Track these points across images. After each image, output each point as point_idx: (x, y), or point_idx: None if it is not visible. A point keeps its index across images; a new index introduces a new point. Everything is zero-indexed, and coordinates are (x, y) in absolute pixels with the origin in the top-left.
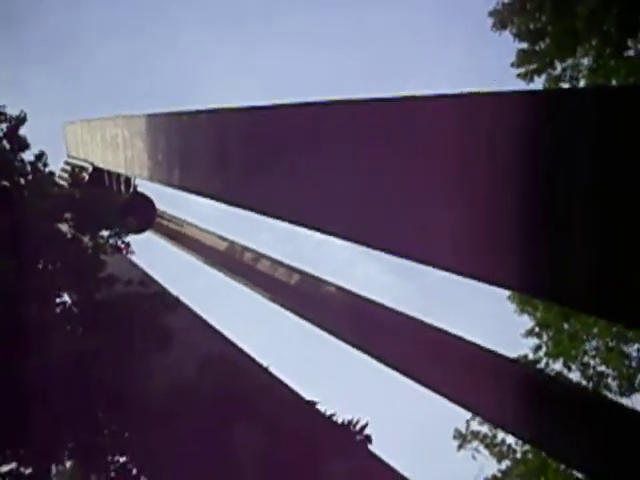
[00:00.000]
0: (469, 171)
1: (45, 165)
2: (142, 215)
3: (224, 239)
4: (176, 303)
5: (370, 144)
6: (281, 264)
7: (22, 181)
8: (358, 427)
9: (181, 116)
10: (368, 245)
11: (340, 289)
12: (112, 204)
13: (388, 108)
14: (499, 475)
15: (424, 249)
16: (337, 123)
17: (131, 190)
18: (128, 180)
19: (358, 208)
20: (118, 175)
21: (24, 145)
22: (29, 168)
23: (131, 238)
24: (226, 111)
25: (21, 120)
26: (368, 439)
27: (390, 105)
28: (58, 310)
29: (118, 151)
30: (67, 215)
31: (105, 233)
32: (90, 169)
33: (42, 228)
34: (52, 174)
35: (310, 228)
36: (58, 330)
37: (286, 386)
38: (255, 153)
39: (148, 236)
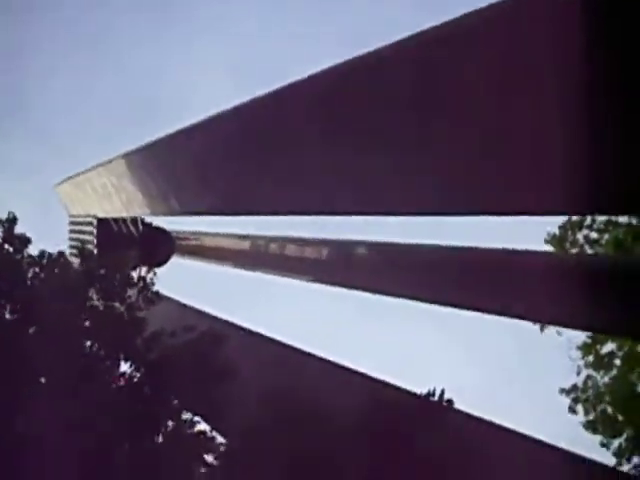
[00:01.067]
0: None
1: (50, 257)
2: (161, 246)
3: (244, 237)
4: (226, 331)
5: None
6: (307, 241)
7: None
8: (438, 395)
9: (155, 145)
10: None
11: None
12: (123, 264)
13: None
14: None
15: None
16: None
17: (140, 229)
18: (135, 220)
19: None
20: (123, 219)
21: (25, 241)
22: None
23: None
24: (201, 126)
25: (12, 221)
26: (450, 402)
27: None
28: (122, 382)
29: (112, 198)
30: (91, 291)
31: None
32: (95, 222)
33: (71, 311)
34: (62, 254)
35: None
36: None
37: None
38: (245, 154)
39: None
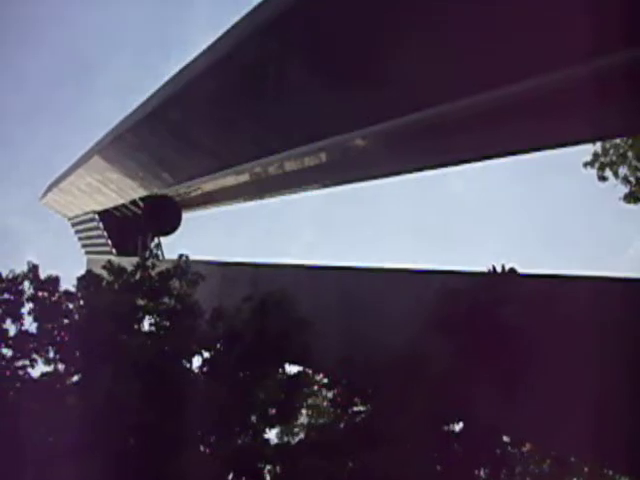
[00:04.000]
0: None
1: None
2: (168, 212)
3: (240, 170)
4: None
5: None
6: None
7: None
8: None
9: (125, 130)
10: None
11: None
12: None
13: None
14: None
15: None
16: None
17: (141, 205)
18: (134, 200)
19: None
20: (123, 204)
21: (55, 281)
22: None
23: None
24: (170, 93)
25: (32, 269)
26: (515, 271)
27: None
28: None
29: (102, 191)
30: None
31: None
32: (96, 216)
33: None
34: (97, 276)
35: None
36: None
37: None
38: (225, 106)
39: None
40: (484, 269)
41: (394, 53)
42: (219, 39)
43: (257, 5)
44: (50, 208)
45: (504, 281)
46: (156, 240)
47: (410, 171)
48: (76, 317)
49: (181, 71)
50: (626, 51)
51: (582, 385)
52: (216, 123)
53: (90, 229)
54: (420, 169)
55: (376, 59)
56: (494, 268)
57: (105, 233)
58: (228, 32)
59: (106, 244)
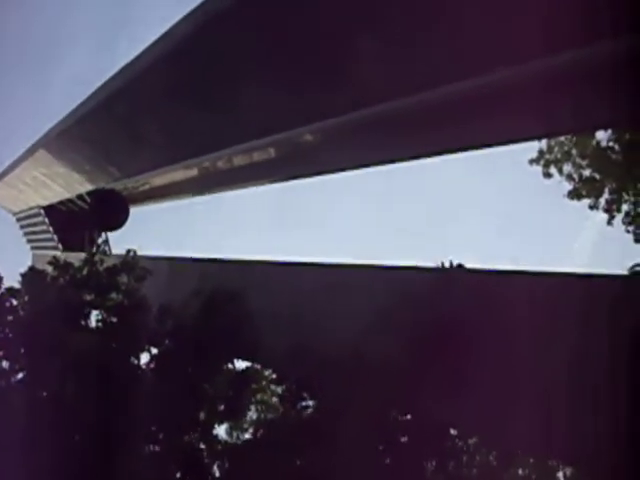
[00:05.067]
0: None
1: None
2: (116, 206)
3: (188, 165)
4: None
5: None
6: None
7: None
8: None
9: (72, 122)
10: None
11: None
12: None
13: None
14: None
15: None
16: None
17: (88, 200)
18: (81, 195)
19: None
20: (69, 199)
21: None
22: None
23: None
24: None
25: None
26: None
27: None
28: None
29: (48, 185)
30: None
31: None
32: (42, 211)
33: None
34: (42, 272)
35: None
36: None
37: None
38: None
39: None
40: (434, 265)
41: (343, 48)
42: (167, 32)
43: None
44: None
45: (452, 276)
46: (103, 235)
47: (358, 167)
48: (21, 314)
49: (128, 65)
50: (575, 50)
51: (526, 378)
52: (164, 117)
53: (36, 224)
54: (367, 165)
55: (325, 54)
56: (442, 264)
57: (51, 228)
58: (176, 25)
59: (52, 239)
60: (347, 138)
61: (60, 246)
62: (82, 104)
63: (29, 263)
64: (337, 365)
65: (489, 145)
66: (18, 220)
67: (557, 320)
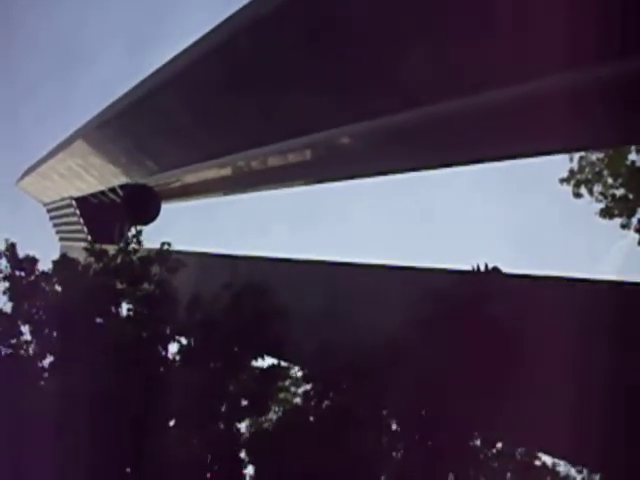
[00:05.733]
0: None
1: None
2: (147, 201)
3: (222, 164)
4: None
5: None
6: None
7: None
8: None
9: (111, 115)
10: None
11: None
12: None
13: None
14: None
15: None
16: None
17: (120, 193)
18: (113, 188)
19: None
20: (101, 191)
21: (32, 261)
22: None
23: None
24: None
25: (11, 247)
26: (498, 270)
27: None
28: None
29: (82, 177)
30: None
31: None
32: (74, 202)
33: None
34: (74, 260)
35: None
36: None
37: None
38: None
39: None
40: (468, 268)
41: (382, 54)
42: (212, 31)
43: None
44: (26, 192)
45: (487, 279)
46: (137, 228)
47: (394, 172)
48: (54, 298)
49: (172, 60)
50: (601, 67)
51: (560, 385)
52: (203, 114)
53: (66, 215)
54: (404, 170)
55: (363, 59)
56: (478, 267)
57: (81, 220)
58: (221, 25)
59: (82, 231)
60: (382, 143)
61: (89, 237)
62: (123, 96)
63: (55, 255)
64: (369, 364)
65: (516, 156)
66: (49, 211)
67: (594, 327)
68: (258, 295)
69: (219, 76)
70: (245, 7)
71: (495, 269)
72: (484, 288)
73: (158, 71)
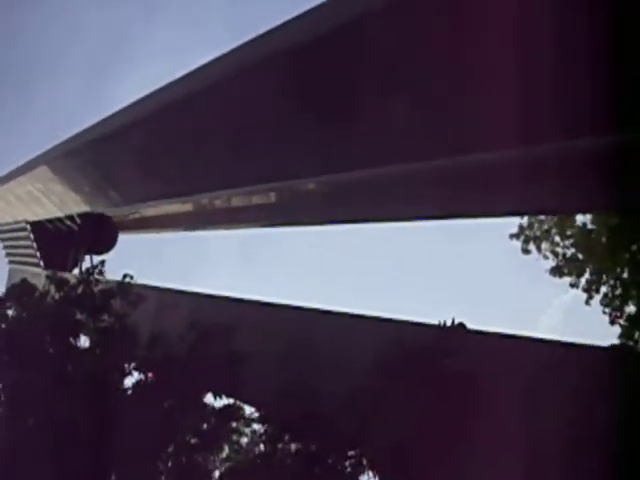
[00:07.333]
0: None
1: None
2: (105, 231)
3: (185, 200)
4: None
5: None
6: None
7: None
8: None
9: (79, 142)
10: None
11: None
12: None
13: None
14: None
15: None
16: None
17: (78, 221)
18: (71, 215)
19: None
20: (58, 218)
21: None
22: None
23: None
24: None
25: None
26: (463, 326)
27: None
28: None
29: (41, 201)
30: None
31: None
32: (28, 227)
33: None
34: (32, 285)
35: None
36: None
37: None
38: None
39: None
40: (435, 322)
41: (357, 111)
42: (188, 75)
43: (240, 46)
44: None
45: (452, 335)
46: (98, 258)
47: (354, 222)
48: (2, 326)
49: (147, 97)
50: (563, 141)
51: (518, 442)
52: (174, 153)
53: (19, 238)
54: (362, 221)
55: (335, 116)
56: (444, 322)
57: (34, 244)
58: (196, 71)
59: (34, 255)
60: (347, 193)
61: (42, 263)
62: (95, 126)
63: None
64: (326, 414)
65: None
66: (1, 232)
67: (555, 386)
68: (220, 335)
69: (192, 120)
70: (225, 55)
71: (460, 325)
72: (447, 343)
73: (133, 105)
